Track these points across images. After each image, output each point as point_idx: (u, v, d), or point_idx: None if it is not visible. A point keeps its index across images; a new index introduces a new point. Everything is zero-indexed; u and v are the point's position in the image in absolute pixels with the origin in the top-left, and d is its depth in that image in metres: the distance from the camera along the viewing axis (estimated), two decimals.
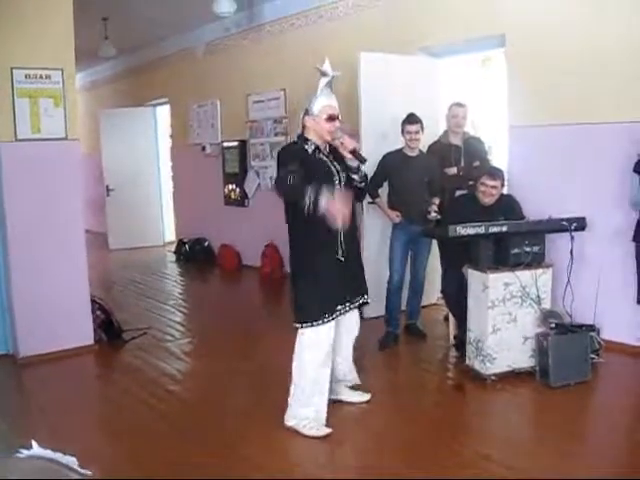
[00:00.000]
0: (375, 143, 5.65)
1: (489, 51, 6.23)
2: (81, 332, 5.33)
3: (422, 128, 5.23)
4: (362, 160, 3.64)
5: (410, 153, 5.29)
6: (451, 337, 5.21)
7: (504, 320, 4.33)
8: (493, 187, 4.64)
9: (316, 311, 3.62)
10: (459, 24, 5.69)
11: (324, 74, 3.65)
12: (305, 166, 3.48)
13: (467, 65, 7.66)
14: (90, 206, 12.68)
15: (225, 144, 9.21)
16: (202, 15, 7.53)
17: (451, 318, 5.18)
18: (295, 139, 3.85)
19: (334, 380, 3.92)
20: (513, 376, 4.35)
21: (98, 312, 5.60)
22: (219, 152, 9.32)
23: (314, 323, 3.61)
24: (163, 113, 11.26)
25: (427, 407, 4.17)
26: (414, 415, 3.96)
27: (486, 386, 4.29)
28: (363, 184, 3.76)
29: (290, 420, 3.71)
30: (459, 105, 5.51)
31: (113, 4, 7.53)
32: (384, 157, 5.36)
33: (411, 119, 5.20)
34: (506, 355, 4.35)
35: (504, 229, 4.31)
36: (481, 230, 4.27)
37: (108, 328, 5.62)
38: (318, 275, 3.63)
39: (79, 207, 5.41)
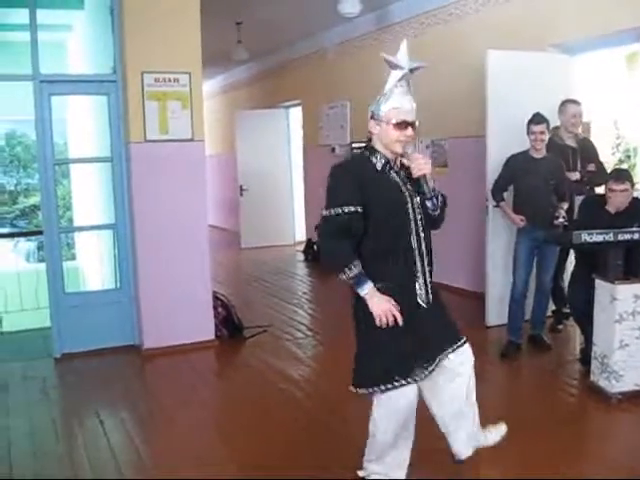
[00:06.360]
0: (503, 145, 5.41)
1: (629, 45, 5.79)
2: (202, 327, 5.50)
3: (548, 128, 4.99)
4: (428, 192, 2.79)
5: (536, 155, 5.05)
6: (577, 351, 4.91)
7: (633, 335, 4.01)
8: (623, 191, 4.31)
9: (375, 375, 2.86)
10: (595, 17, 5.33)
11: (395, 67, 2.81)
12: (369, 190, 2.72)
13: (609, 62, 7.23)
14: (225, 205, 13.16)
15: (354, 145, 9.20)
16: (330, 17, 7.57)
17: (578, 330, 4.88)
18: (360, 149, 2.97)
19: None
20: None
21: (220, 309, 5.75)
22: (348, 153, 9.33)
23: (372, 389, 2.86)
24: (296, 114, 11.45)
25: (543, 426, 3.79)
26: (528, 435, 3.56)
27: (610, 405, 4.00)
28: (437, 212, 2.87)
29: (361, 471, 3.04)
30: (576, 103, 5.15)
31: (246, 9, 7.73)
32: (509, 159, 5.16)
33: (536, 119, 4.97)
34: (634, 373, 4.03)
35: (635, 237, 3.99)
36: (609, 237, 3.98)
37: (229, 324, 5.76)
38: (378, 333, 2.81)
39: (204, 205, 5.56)
